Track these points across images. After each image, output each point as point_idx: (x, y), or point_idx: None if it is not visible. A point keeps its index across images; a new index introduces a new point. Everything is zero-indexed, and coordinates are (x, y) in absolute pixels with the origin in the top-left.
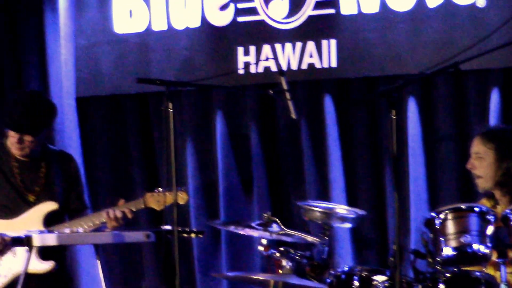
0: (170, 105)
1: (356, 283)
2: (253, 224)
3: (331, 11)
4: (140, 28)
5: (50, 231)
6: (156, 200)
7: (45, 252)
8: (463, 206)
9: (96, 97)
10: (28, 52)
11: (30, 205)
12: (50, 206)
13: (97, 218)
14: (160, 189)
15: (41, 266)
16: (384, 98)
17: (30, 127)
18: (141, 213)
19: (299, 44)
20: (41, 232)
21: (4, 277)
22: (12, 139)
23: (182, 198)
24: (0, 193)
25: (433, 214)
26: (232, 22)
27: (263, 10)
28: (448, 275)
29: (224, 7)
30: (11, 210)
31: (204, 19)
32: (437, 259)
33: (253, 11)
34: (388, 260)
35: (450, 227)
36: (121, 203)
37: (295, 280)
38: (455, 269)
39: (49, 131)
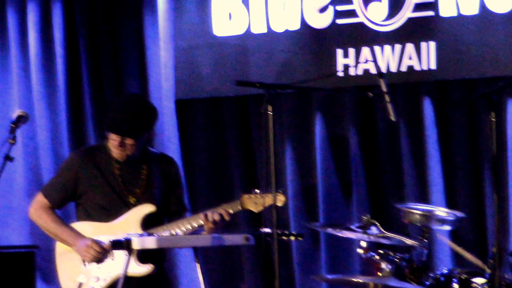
0: (270, 108)
1: (456, 285)
2: (352, 227)
3: (430, 13)
4: (240, 30)
5: (149, 234)
6: (254, 202)
7: (144, 255)
8: None
9: (195, 100)
10: (128, 55)
11: (129, 207)
12: (148, 208)
13: (195, 221)
14: (258, 190)
15: (140, 269)
16: (483, 100)
17: (132, 130)
18: (240, 215)
19: (398, 46)
20: (141, 235)
21: (103, 281)
22: (113, 142)
23: (280, 200)
24: (101, 195)
25: None
26: (331, 24)
27: (362, 12)
28: None
29: (323, 10)
30: (111, 212)
31: (303, 22)
32: None
33: (352, 13)
34: (487, 262)
35: None
36: (218, 209)
37: (394, 283)
38: None
39: (149, 134)
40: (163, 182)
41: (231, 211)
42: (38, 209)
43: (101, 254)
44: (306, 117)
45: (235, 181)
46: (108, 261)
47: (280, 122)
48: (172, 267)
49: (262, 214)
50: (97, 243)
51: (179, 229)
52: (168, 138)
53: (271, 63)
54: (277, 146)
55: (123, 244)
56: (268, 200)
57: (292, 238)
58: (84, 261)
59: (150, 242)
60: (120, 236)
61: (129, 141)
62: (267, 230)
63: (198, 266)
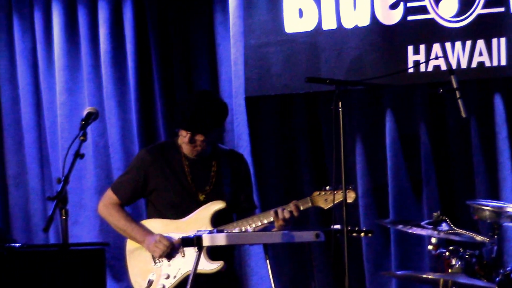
0: (340, 105)
1: None
2: (422, 223)
3: (501, 9)
4: (310, 27)
5: (219, 231)
6: (324, 199)
7: (214, 252)
8: None
9: (265, 97)
10: (198, 52)
11: (199, 204)
12: (219, 205)
13: (265, 218)
14: (328, 187)
15: (210, 266)
16: None
17: (202, 126)
18: (310, 212)
19: (468, 43)
20: (211, 232)
21: (173, 278)
22: (183, 139)
23: (350, 197)
24: (170, 192)
25: None
26: (401, 20)
27: (433, 8)
28: None
29: (394, 6)
30: (181, 210)
31: (374, 18)
32: None
33: (422, 9)
34: None
35: None
36: (290, 205)
37: (464, 279)
38: None
39: (220, 131)
40: (232, 179)
41: (301, 208)
42: (107, 205)
43: (169, 249)
44: (376, 114)
45: (304, 178)
46: (178, 258)
47: (350, 119)
48: (242, 264)
49: (333, 211)
50: (166, 238)
51: (249, 226)
52: (238, 135)
53: (341, 60)
54: (347, 143)
55: (193, 241)
56: (338, 196)
57: (362, 234)
58: (154, 259)
59: (220, 239)
60: (190, 233)
61: (199, 137)
62: (338, 227)
63: (268, 263)
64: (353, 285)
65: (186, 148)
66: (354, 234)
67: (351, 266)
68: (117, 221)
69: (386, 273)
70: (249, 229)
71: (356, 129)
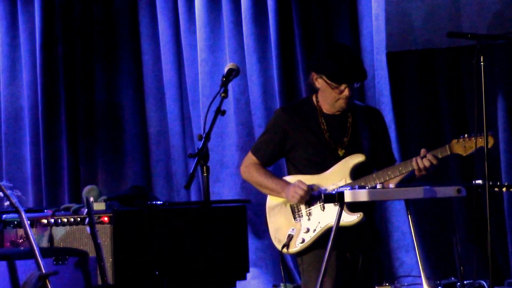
0: (481, 59)
1: None
2: None
3: None
4: None
5: (360, 187)
6: (463, 145)
7: (353, 204)
8: None
9: (406, 52)
10: (339, 7)
11: (338, 159)
12: (358, 158)
13: (404, 167)
14: (466, 135)
15: (350, 218)
16: None
17: (360, 73)
18: (452, 168)
19: None
20: (352, 188)
21: (313, 232)
22: (333, 94)
23: (489, 142)
24: (309, 149)
25: None
26: None
27: None
28: None
29: None
30: (320, 165)
31: None
32: None
33: None
34: None
35: None
36: (423, 153)
37: None
38: None
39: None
40: (370, 133)
41: (439, 156)
42: (248, 166)
43: (308, 195)
44: None
45: (445, 133)
46: (317, 212)
47: (492, 74)
48: (384, 220)
49: (474, 166)
50: (304, 183)
51: (388, 176)
52: (379, 91)
53: (483, 14)
54: (488, 98)
55: (334, 197)
56: (477, 142)
57: (504, 189)
58: (294, 214)
59: (362, 195)
60: (330, 187)
61: (349, 90)
62: (479, 182)
63: (410, 218)
64: (494, 241)
65: (335, 103)
66: (496, 189)
67: (492, 221)
68: (257, 178)
69: None
70: (388, 179)
71: (497, 84)
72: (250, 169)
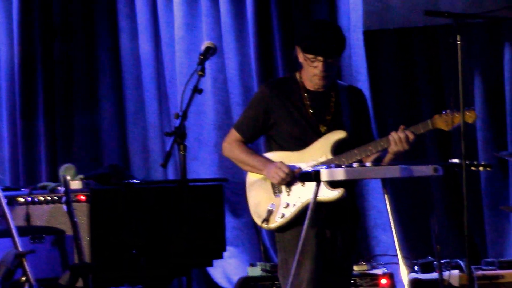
0: (458, 38)
1: None
2: None
3: None
4: None
5: (337, 166)
6: (444, 120)
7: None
8: None
9: (383, 30)
10: None
11: (320, 135)
12: (339, 134)
13: (386, 142)
14: (448, 111)
15: (330, 193)
16: None
17: (336, 47)
18: (429, 147)
19: None
20: (328, 166)
21: (293, 207)
22: (311, 69)
23: (470, 117)
24: (292, 125)
25: None
26: None
27: None
28: None
29: None
30: (302, 141)
31: None
32: None
33: None
34: None
35: None
36: (401, 128)
37: None
38: None
39: (338, 63)
40: (351, 112)
41: (422, 130)
42: (230, 143)
43: (289, 176)
44: (495, 48)
45: (423, 111)
46: (297, 187)
47: (469, 53)
48: (360, 199)
49: (451, 145)
50: (287, 165)
51: (370, 152)
52: (356, 70)
53: None
54: (465, 77)
55: (311, 176)
56: (458, 118)
57: (481, 168)
58: (273, 189)
59: (339, 174)
60: (311, 163)
61: (323, 65)
62: (456, 161)
63: (386, 197)
64: (471, 220)
65: (311, 78)
66: (473, 168)
67: (470, 200)
68: (239, 155)
69: (505, 208)
70: (368, 154)
71: (474, 63)
72: (232, 146)
